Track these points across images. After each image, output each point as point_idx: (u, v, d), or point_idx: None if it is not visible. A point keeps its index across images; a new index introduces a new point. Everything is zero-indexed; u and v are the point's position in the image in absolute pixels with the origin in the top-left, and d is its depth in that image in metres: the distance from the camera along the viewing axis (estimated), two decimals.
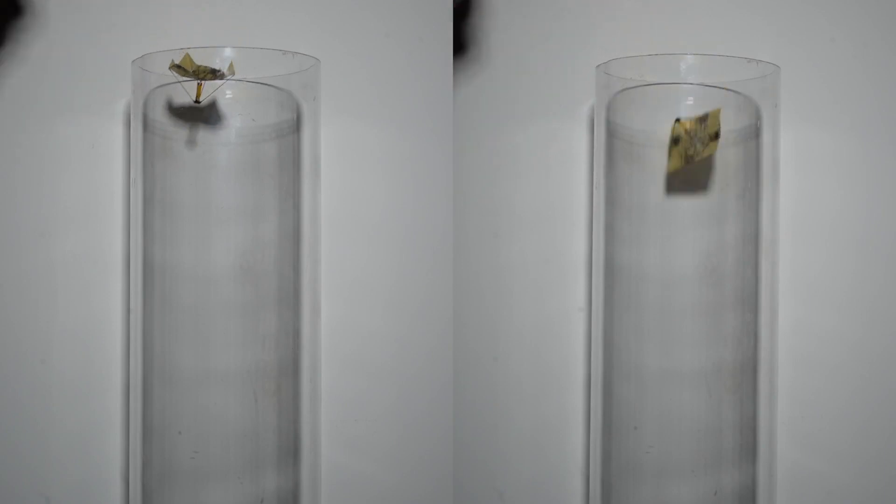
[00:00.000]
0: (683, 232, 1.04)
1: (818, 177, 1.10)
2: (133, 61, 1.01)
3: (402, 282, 1.19)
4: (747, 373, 1.04)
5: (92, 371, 1.12)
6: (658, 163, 1.04)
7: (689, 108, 1.03)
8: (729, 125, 1.04)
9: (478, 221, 1.21)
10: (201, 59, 1.00)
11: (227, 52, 1.01)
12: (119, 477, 1.13)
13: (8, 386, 1.12)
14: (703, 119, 0.98)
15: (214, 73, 0.98)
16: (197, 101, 0.98)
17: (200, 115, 1.01)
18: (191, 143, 0.99)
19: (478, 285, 1.21)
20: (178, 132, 1.02)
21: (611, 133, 1.05)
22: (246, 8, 1.15)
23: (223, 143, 1.02)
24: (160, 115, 1.02)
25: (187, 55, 0.97)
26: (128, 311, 1.11)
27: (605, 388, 1.06)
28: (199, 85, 0.98)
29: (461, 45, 1.03)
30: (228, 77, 0.99)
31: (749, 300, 1.04)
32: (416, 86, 1.20)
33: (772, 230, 1.05)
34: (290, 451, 1.05)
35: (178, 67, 0.97)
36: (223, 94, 1.01)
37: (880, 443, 1.11)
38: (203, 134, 1.02)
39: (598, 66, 1.05)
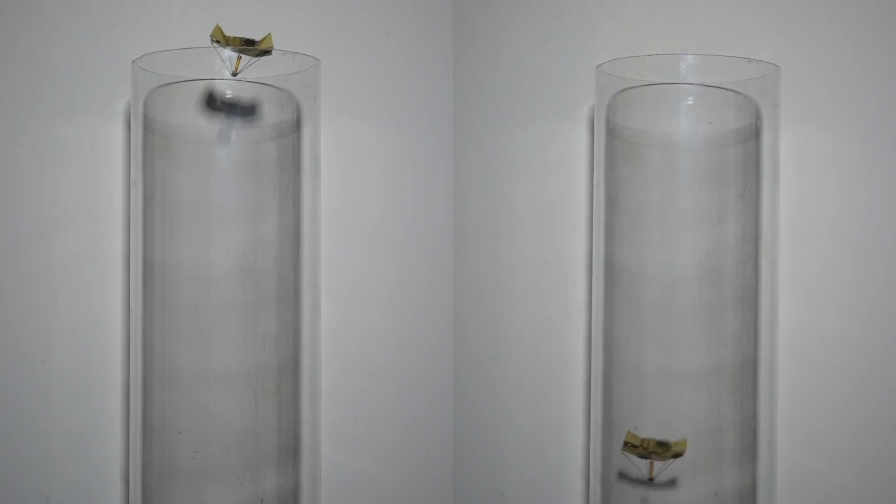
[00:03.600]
0: (683, 232, 1.04)
1: (818, 177, 1.10)
2: (133, 61, 1.01)
3: (402, 282, 1.20)
4: (747, 373, 1.04)
5: (92, 371, 1.12)
6: (658, 163, 1.04)
7: (689, 107, 1.03)
8: (729, 125, 1.04)
9: (478, 221, 1.21)
10: (199, 61, 1.00)
11: (227, 52, 1.01)
12: (119, 477, 1.13)
13: (8, 386, 1.12)
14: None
15: (247, 45, 0.98)
16: (234, 74, 0.98)
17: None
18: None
19: (478, 285, 1.21)
20: (178, 132, 1.02)
21: (611, 133, 1.05)
22: (246, 8, 1.15)
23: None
24: (160, 115, 1.02)
25: (234, 38, 0.98)
26: (128, 311, 1.11)
27: (605, 388, 1.06)
28: (239, 58, 0.98)
29: None
30: (265, 51, 0.98)
31: (749, 300, 1.04)
32: (416, 86, 1.20)
33: (772, 230, 1.05)
34: (290, 451, 1.05)
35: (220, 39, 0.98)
36: (223, 94, 1.01)
37: (880, 443, 1.11)
38: (203, 135, 1.02)
39: (598, 66, 1.05)
